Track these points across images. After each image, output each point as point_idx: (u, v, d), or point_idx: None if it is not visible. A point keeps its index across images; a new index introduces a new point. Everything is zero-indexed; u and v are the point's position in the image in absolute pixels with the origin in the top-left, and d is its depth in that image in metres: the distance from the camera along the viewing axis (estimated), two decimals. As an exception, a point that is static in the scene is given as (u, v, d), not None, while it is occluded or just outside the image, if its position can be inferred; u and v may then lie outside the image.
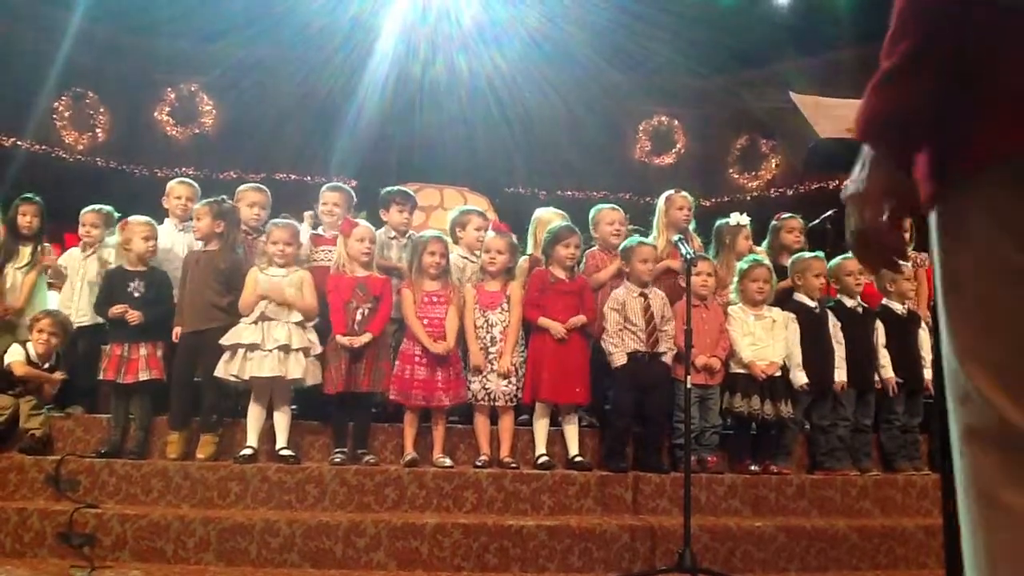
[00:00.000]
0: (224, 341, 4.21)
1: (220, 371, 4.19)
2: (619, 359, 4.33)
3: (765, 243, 5.28)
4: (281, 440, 4.23)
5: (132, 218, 4.58)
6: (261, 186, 5.11)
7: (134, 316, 4.29)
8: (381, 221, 4.86)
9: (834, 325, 4.69)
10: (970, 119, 1.13)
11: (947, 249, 1.17)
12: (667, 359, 4.38)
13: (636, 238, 4.60)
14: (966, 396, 1.13)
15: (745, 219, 5.04)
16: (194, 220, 4.53)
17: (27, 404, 4.28)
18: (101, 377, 4.33)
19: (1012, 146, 1.08)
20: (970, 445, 1.13)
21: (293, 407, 4.40)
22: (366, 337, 4.21)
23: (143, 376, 4.27)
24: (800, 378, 4.50)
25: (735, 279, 4.67)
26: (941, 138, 1.17)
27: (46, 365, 4.49)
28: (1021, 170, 1.07)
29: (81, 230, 4.91)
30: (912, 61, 1.15)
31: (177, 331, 4.36)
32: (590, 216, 4.99)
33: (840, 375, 4.60)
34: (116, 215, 4.97)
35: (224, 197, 4.58)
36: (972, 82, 1.12)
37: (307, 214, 5.34)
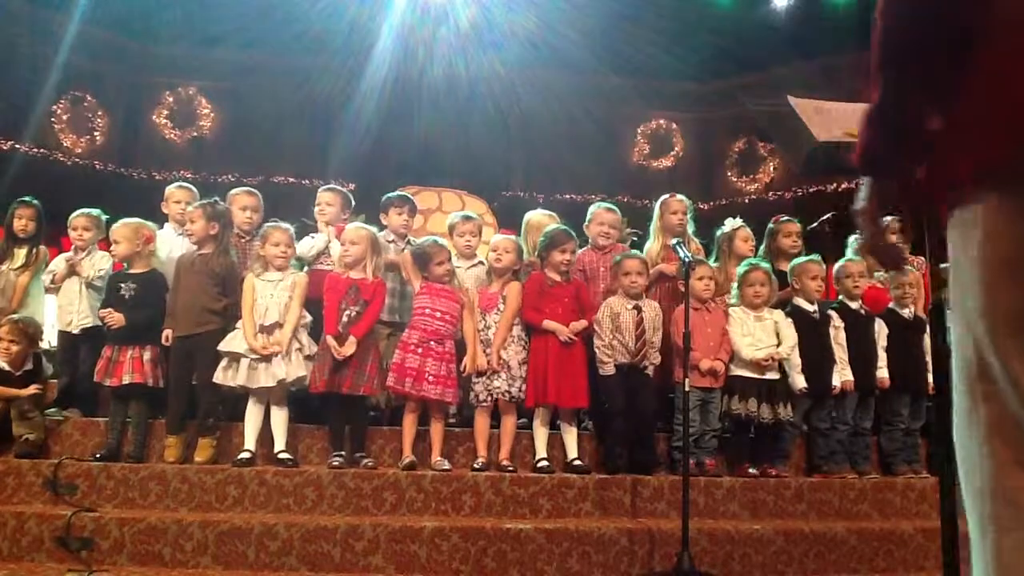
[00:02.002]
0: (221, 348, 4.21)
1: (218, 377, 4.19)
2: (609, 369, 4.33)
3: (762, 247, 5.24)
4: (279, 443, 4.23)
5: (120, 221, 4.55)
6: (253, 190, 5.09)
7: (113, 319, 4.27)
8: (381, 225, 4.87)
9: (836, 327, 4.68)
10: (948, 145, 1.20)
11: (957, 240, 1.18)
12: (649, 372, 4.40)
13: (623, 253, 4.58)
14: (992, 387, 1.10)
15: (738, 221, 5.06)
16: (187, 223, 4.51)
17: (16, 410, 4.22)
18: (96, 380, 4.31)
19: (991, 163, 1.12)
20: (992, 440, 1.10)
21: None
22: (350, 349, 4.15)
23: (126, 379, 4.22)
24: (799, 382, 4.50)
25: (735, 285, 4.66)
26: (929, 160, 1.25)
27: (19, 373, 4.37)
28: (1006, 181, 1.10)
29: (72, 234, 4.81)
30: (886, 102, 1.26)
31: (167, 334, 4.33)
32: (588, 213, 4.98)
33: (846, 375, 4.60)
34: (105, 218, 4.88)
35: (217, 199, 4.57)
36: (944, 110, 1.20)
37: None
